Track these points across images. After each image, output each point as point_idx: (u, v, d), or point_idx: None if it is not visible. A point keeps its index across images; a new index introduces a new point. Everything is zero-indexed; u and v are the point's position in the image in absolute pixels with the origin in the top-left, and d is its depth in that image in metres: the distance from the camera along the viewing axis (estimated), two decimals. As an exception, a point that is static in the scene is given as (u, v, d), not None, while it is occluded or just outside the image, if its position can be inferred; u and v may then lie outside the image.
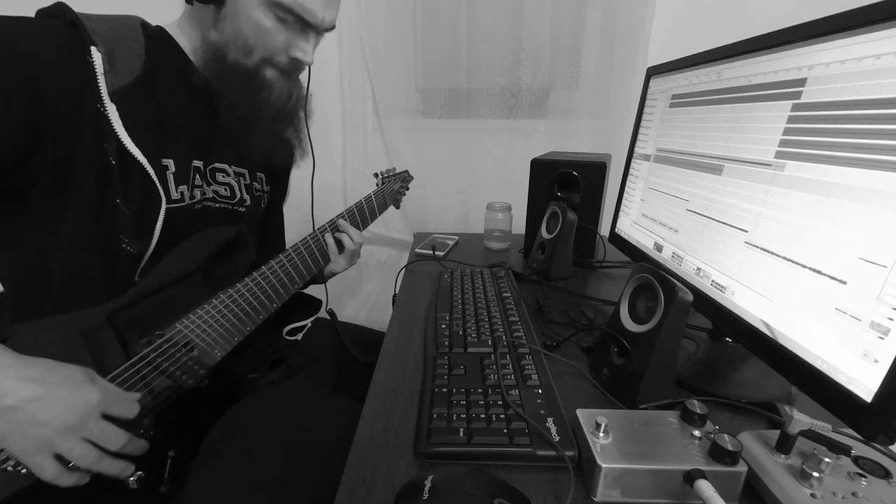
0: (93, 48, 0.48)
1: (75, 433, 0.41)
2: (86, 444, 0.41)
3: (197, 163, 0.59)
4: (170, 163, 0.55)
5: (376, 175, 0.94)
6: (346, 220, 0.78)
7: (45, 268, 0.50)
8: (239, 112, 0.60)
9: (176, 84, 0.57)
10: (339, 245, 0.76)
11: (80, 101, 0.47)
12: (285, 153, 0.73)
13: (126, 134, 0.49)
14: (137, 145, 0.50)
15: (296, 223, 0.90)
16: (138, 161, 0.50)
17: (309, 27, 0.58)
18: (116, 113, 0.49)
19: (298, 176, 0.82)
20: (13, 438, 0.39)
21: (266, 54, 0.58)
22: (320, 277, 0.79)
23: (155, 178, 0.52)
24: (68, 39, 0.48)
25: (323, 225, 0.75)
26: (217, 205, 0.63)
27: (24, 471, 0.41)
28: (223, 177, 0.63)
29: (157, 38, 0.56)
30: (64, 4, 0.50)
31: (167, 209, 0.54)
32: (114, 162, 0.49)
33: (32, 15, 0.50)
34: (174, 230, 0.55)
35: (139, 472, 0.47)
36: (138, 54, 0.52)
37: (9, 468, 0.41)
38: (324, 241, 0.74)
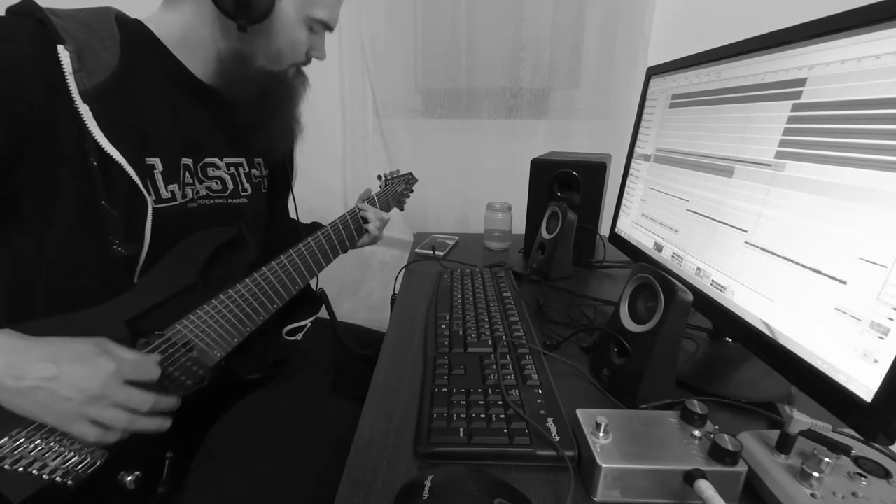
0: (60, 47, 0.46)
1: (102, 401, 0.43)
2: (116, 409, 0.43)
3: (186, 160, 0.58)
4: (156, 162, 0.54)
5: (379, 177, 0.94)
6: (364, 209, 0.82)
7: (36, 270, 0.50)
8: (264, 112, 0.64)
9: (158, 80, 0.55)
10: (361, 230, 0.81)
11: (53, 103, 0.46)
12: (293, 132, 0.75)
13: (102, 135, 0.48)
14: (116, 145, 0.48)
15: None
16: (118, 162, 0.49)
17: (328, 30, 0.65)
18: (90, 113, 0.47)
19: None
20: (46, 413, 0.41)
21: (295, 60, 0.64)
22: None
23: (136, 179, 0.50)
24: (35, 39, 0.46)
25: (343, 214, 0.76)
26: (212, 201, 0.62)
27: (27, 470, 0.41)
28: (213, 171, 0.63)
29: (134, 32, 0.54)
30: (31, 2, 0.48)
31: (157, 209, 0.53)
32: (95, 163, 0.47)
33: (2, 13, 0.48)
34: (168, 230, 0.54)
35: (137, 473, 0.47)
36: (113, 51, 0.51)
37: (6, 466, 0.41)
38: (344, 229, 0.76)
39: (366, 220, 0.82)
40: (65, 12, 0.49)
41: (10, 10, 0.49)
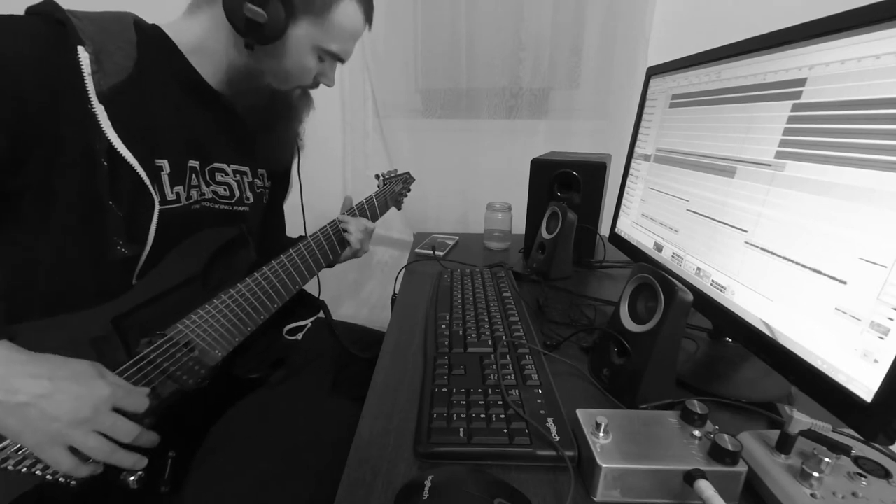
0: (80, 48, 0.46)
1: (88, 426, 0.41)
2: (99, 437, 0.42)
3: (193, 163, 0.58)
4: (164, 163, 0.54)
5: (377, 176, 0.95)
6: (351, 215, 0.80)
7: (36, 269, 0.50)
8: (265, 126, 0.65)
9: (170, 84, 0.56)
10: (344, 242, 0.79)
11: (67, 103, 0.46)
12: (292, 149, 0.75)
13: (115, 135, 0.48)
14: (128, 146, 0.49)
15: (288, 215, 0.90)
16: (128, 162, 0.49)
17: (339, 62, 0.66)
18: (105, 114, 0.48)
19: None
20: (27, 434, 0.40)
21: (302, 83, 0.65)
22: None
23: (146, 180, 0.51)
24: (54, 39, 0.46)
25: (324, 226, 0.75)
26: (217, 205, 0.63)
27: (31, 470, 0.41)
28: (222, 176, 0.63)
29: (150, 36, 0.55)
30: (52, 3, 0.48)
31: (162, 210, 0.53)
32: (105, 163, 0.48)
33: (22, 12, 0.48)
34: (171, 231, 0.54)
35: (139, 472, 0.47)
36: (129, 54, 0.51)
37: (9, 467, 0.41)
38: (326, 241, 0.75)
39: (346, 231, 0.78)
40: (83, 14, 0.49)
41: (29, 9, 0.49)
